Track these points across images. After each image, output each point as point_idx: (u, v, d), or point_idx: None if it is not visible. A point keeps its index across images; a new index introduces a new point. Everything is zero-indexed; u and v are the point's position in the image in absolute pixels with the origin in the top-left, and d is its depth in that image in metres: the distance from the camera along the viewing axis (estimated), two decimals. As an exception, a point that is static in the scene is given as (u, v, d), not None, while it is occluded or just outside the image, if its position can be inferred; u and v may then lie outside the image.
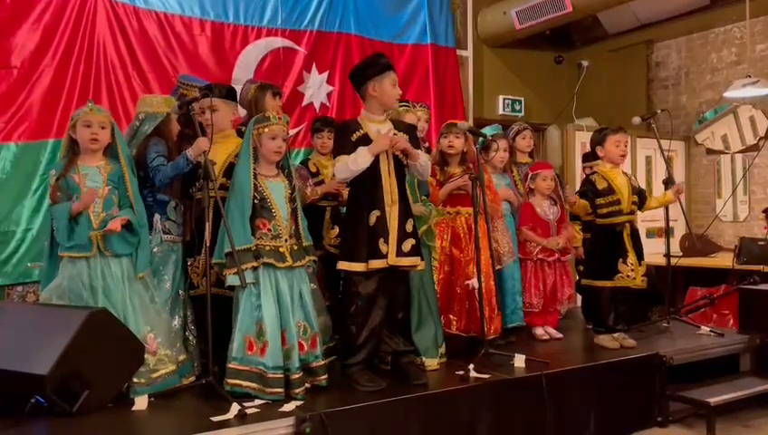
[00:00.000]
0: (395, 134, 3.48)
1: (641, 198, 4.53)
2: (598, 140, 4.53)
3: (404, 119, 3.95)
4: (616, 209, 4.34)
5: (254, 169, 3.34)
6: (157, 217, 3.57)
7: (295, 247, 3.37)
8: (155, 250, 3.55)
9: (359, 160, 3.39)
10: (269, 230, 3.31)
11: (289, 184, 3.44)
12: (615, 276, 4.30)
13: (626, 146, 4.47)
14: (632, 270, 4.31)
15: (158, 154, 3.52)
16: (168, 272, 3.57)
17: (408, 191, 3.67)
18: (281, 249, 3.30)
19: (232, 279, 3.19)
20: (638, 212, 4.63)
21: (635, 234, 4.44)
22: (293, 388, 3.20)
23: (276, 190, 3.37)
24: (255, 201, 3.30)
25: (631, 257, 4.33)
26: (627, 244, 4.35)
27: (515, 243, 4.54)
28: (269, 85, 4.16)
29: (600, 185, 4.38)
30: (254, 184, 3.31)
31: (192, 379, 3.46)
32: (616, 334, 4.30)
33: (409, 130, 3.64)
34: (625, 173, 4.53)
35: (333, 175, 4.47)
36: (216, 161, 3.49)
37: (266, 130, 3.35)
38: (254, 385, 3.18)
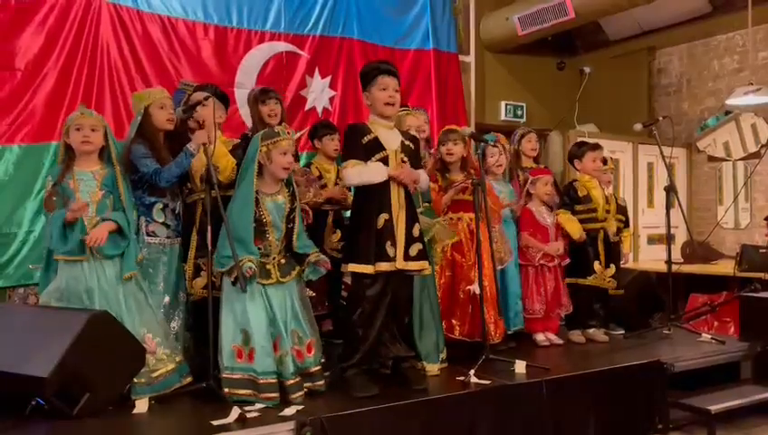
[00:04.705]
0: (403, 160, 3.49)
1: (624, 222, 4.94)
2: (576, 154, 4.86)
3: (404, 122, 3.95)
4: (592, 217, 4.70)
5: (257, 190, 3.27)
6: (142, 219, 3.51)
7: (282, 262, 3.34)
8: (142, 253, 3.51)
9: (373, 176, 3.39)
10: (259, 249, 3.26)
11: (290, 201, 3.38)
12: (591, 276, 4.67)
13: (602, 163, 4.84)
14: (603, 271, 4.69)
15: (145, 156, 3.43)
16: (158, 275, 3.54)
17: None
18: (267, 266, 3.28)
19: (228, 282, 3.19)
20: (629, 224, 5.10)
21: (607, 239, 4.73)
22: (291, 393, 3.19)
23: (276, 210, 3.31)
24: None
25: (603, 260, 4.68)
26: (599, 248, 4.70)
27: (515, 247, 4.54)
28: (262, 91, 4.18)
29: (581, 192, 4.75)
30: (254, 210, 3.25)
31: (190, 379, 3.44)
32: (591, 330, 4.59)
33: (414, 141, 3.65)
34: (610, 194, 4.87)
35: (336, 179, 4.51)
36: (202, 163, 3.43)
37: (276, 145, 3.29)
38: (248, 392, 3.17)
